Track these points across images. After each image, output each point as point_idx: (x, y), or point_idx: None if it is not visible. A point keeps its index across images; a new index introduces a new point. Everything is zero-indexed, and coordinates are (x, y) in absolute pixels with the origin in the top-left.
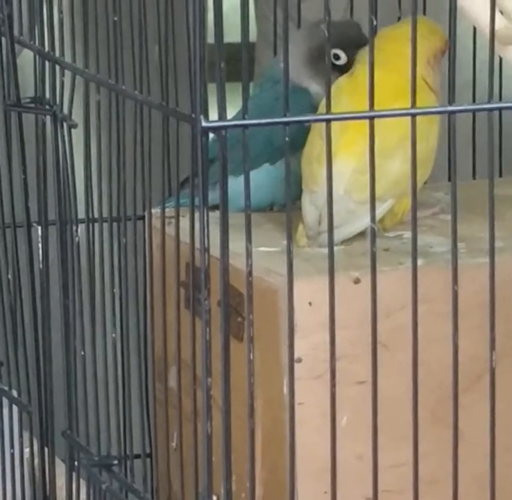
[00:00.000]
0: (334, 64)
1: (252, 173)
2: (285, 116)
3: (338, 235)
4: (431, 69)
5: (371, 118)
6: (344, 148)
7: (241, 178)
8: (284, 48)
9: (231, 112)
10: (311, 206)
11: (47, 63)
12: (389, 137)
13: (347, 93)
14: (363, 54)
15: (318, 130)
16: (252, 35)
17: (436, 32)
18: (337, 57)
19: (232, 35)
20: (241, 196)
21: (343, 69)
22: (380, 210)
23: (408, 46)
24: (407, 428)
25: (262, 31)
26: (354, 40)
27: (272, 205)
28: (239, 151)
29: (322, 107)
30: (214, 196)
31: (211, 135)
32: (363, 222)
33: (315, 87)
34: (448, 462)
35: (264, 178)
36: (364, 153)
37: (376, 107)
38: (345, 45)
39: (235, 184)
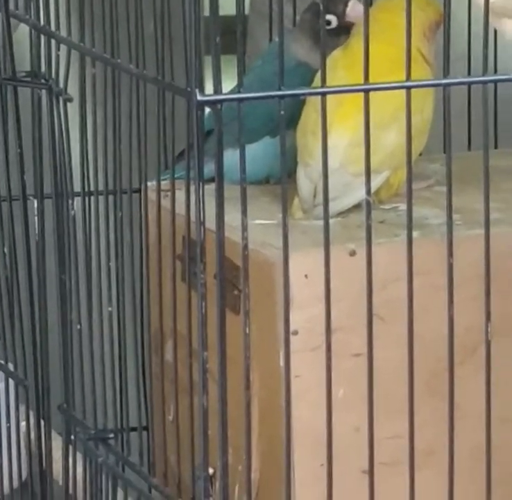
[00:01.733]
0: (327, 30)
1: (252, 146)
2: (280, 89)
3: (334, 207)
4: (426, 41)
5: (366, 91)
6: (339, 121)
7: (244, 150)
8: (279, 20)
9: (229, 84)
10: (306, 179)
11: (42, 37)
12: (384, 109)
13: (343, 66)
14: (359, 25)
15: (312, 104)
16: (245, 8)
17: (431, 4)
18: (328, 22)
19: (226, 7)
20: (237, 168)
21: (337, 33)
22: (376, 183)
23: (403, 16)
24: (403, 400)
25: (255, 4)
26: (340, 0)
27: (268, 178)
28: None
29: (317, 80)
30: (211, 168)
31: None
32: (359, 194)
33: (315, 61)
34: (444, 433)
35: (263, 150)
36: (359, 126)
37: (371, 80)
38: (334, 8)
39: (234, 156)
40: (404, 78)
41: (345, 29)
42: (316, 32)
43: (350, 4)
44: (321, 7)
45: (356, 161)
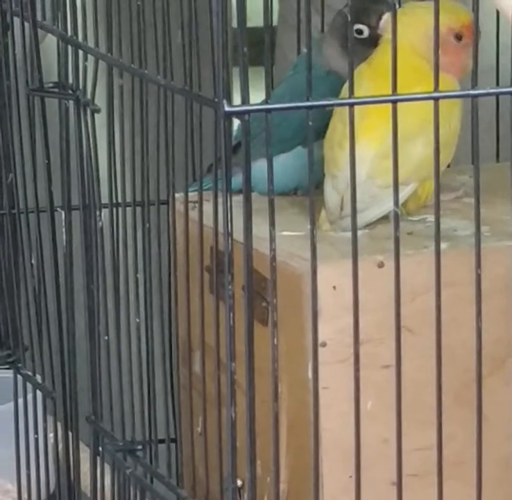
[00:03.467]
0: (357, 39)
1: (284, 155)
2: (308, 100)
3: (361, 219)
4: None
5: (394, 102)
6: (365, 133)
7: (272, 162)
8: (307, 30)
9: (257, 96)
10: (333, 191)
11: (70, 48)
12: (410, 120)
13: (368, 78)
14: (383, 34)
15: (339, 115)
16: (273, 19)
17: (451, 12)
18: (360, 32)
19: (254, 19)
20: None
21: (367, 43)
22: (403, 194)
23: (406, 20)
24: (432, 411)
25: (283, 15)
26: (374, 11)
27: (296, 189)
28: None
29: (344, 91)
30: (239, 180)
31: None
32: (387, 206)
33: (345, 69)
34: (472, 444)
35: (295, 160)
36: (385, 138)
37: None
38: (367, 19)
39: (265, 167)
40: (427, 88)
41: (375, 41)
42: (347, 39)
43: (385, 17)
44: (349, 18)
45: (383, 173)
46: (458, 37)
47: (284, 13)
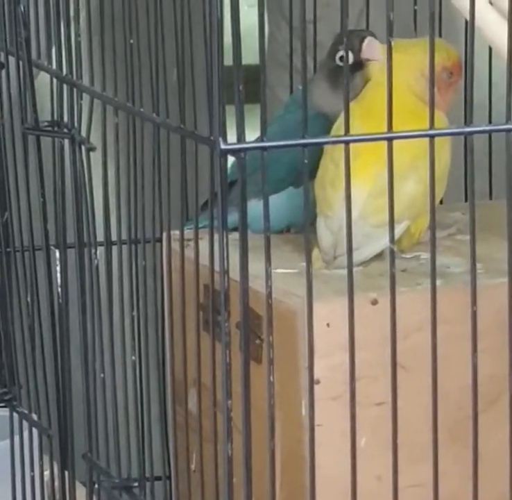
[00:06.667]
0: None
1: (276, 196)
2: (303, 138)
3: (355, 258)
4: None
5: (389, 139)
6: (357, 172)
7: (268, 197)
8: (303, 68)
9: (249, 134)
10: (326, 231)
11: (65, 86)
12: (402, 158)
13: (358, 117)
14: (372, 76)
15: (329, 155)
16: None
17: (442, 49)
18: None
19: (246, 57)
20: (260, 219)
21: (352, 69)
22: (396, 232)
23: (400, 58)
24: (425, 448)
25: (271, 52)
26: (355, 35)
27: (288, 228)
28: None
29: (335, 130)
30: (234, 218)
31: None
32: (380, 244)
33: (334, 108)
34: (466, 482)
35: (286, 201)
36: (377, 177)
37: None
38: (349, 44)
39: (257, 207)
40: (420, 126)
41: (360, 66)
42: (332, 70)
43: (366, 40)
44: (344, 44)
45: (376, 212)
46: (450, 75)
47: (273, 51)
